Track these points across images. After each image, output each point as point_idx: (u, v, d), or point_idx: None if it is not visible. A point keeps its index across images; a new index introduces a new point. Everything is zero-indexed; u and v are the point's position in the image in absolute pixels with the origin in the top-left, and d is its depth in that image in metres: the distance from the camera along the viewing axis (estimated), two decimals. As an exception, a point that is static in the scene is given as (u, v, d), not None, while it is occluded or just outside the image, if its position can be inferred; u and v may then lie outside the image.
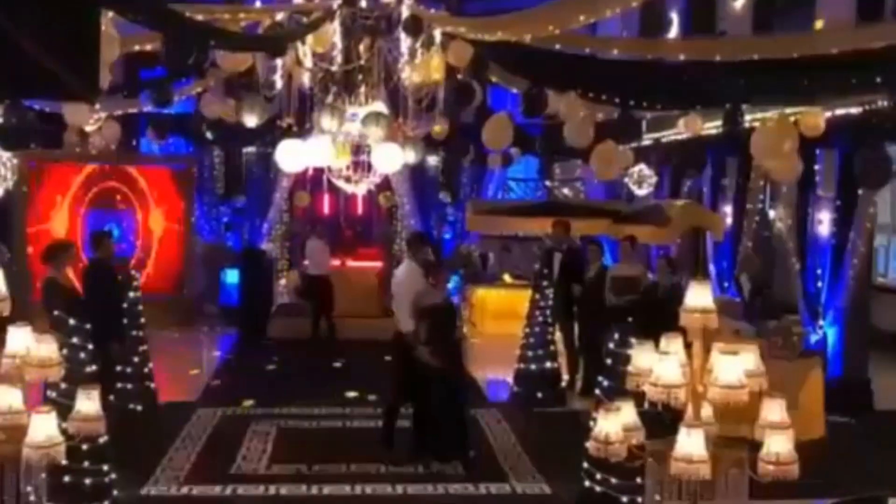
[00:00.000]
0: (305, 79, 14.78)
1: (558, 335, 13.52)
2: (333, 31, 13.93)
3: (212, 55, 11.61)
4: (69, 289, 10.32)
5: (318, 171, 17.24)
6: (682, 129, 15.51)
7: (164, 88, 12.91)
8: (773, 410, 5.23)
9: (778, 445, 5.09)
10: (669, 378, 5.21)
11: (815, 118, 11.67)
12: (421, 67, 14.01)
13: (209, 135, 17.93)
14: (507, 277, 19.87)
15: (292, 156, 14.28)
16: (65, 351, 6.42)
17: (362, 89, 14.41)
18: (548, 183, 22.80)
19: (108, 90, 11.15)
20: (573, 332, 13.90)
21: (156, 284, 17.92)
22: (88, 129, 15.97)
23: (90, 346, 8.31)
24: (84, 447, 7.11)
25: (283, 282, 20.80)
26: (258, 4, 14.77)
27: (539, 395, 12.78)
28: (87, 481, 7.72)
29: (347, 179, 15.36)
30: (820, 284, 13.08)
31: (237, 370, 15.17)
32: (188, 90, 15.71)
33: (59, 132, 16.45)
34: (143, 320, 12.23)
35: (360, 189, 16.02)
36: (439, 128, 16.01)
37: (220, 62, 12.72)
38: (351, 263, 19.54)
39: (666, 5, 18.20)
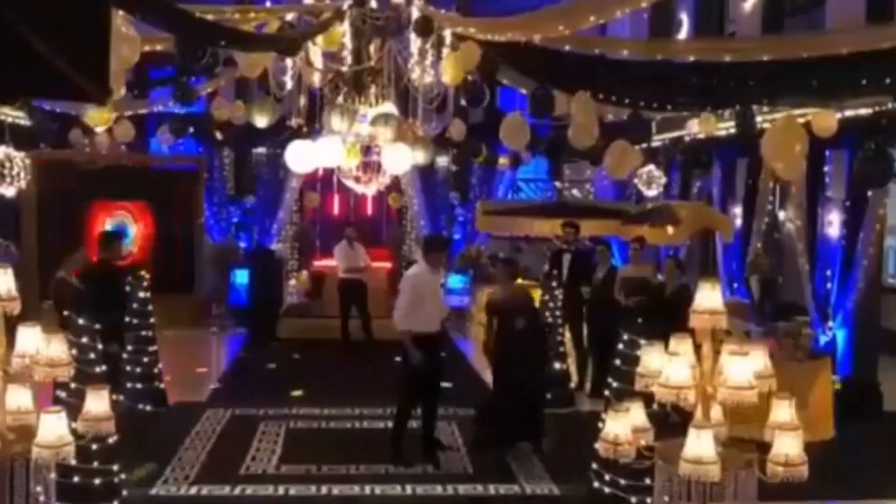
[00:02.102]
0: (315, 79, 14.77)
1: (567, 336, 13.51)
2: (343, 32, 13.90)
3: (223, 55, 11.61)
4: (79, 289, 10.33)
5: (328, 172, 17.24)
6: (696, 129, 15.47)
7: (186, 86, 12.93)
8: (783, 411, 5.23)
9: (787, 447, 5.09)
10: (679, 379, 5.20)
11: (828, 119, 11.62)
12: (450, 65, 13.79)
13: (219, 135, 17.94)
14: (516, 278, 19.82)
15: (302, 156, 14.24)
16: (74, 351, 6.43)
17: (372, 90, 14.39)
18: (557, 184, 22.76)
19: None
20: (582, 334, 13.90)
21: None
22: (98, 128, 15.96)
23: (99, 346, 8.33)
24: (94, 447, 7.13)
25: (292, 282, 20.82)
26: (268, 4, 14.76)
27: (548, 395, 12.77)
28: (97, 481, 7.75)
29: (357, 180, 15.33)
30: (829, 286, 13.04)
31: (246, 371, 15.18)
32: (199, 90, 15.69)
33: (65, 131, 16.46)
34: (152, 320, 12.26)
35: (369, 190, 15.99)
36: None
37: (239, 64, 12.74)
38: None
39: (676, 6, 18.17)
